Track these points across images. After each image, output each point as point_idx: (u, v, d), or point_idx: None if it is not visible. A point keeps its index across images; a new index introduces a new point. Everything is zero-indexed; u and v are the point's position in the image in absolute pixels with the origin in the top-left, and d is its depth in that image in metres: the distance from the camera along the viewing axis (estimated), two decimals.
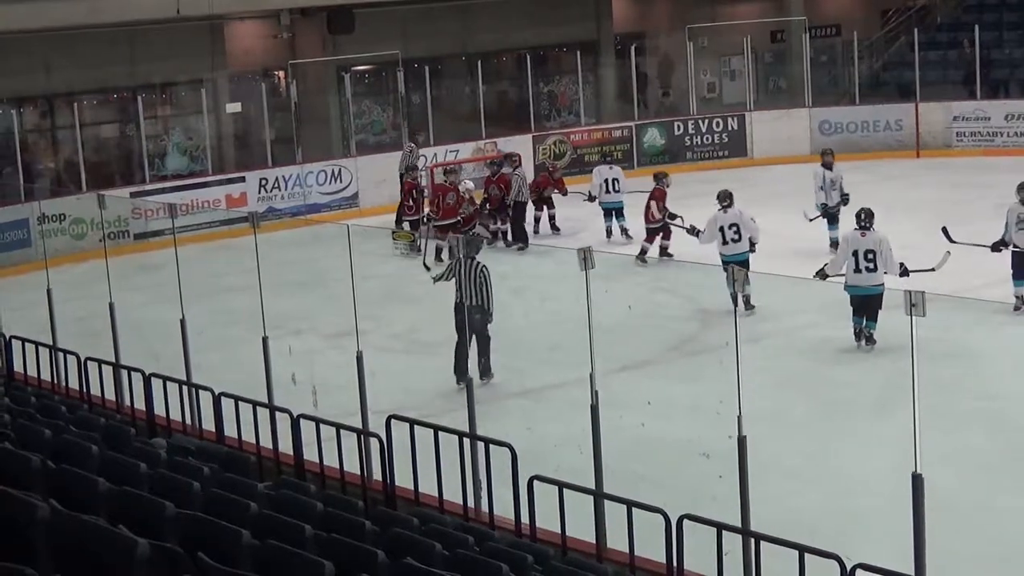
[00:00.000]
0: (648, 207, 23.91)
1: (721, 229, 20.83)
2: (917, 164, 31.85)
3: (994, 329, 18.57)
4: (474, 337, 17.47)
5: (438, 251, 24.55)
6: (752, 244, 20.85)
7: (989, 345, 18.06)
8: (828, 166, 23.82)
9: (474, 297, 17.49)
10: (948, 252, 18.95)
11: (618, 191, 26.72)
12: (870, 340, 18.00)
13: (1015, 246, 19.04)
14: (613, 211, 26.72)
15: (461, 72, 36.29)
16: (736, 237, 20.74)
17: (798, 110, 34.95)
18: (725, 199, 21.23)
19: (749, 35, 36.07)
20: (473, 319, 17.45)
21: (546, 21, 37.01)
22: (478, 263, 17.74)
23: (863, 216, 18.56)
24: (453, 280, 17.43)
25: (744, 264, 20.20)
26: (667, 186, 24.09)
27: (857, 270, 18.21)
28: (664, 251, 23.87)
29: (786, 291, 19.37)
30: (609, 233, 26.60)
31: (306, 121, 32.81)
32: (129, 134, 31.75)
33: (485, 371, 17.66)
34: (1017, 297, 18.88)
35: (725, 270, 19.78)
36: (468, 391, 12.17)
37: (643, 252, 23.64)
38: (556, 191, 27.64)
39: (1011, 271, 19.11)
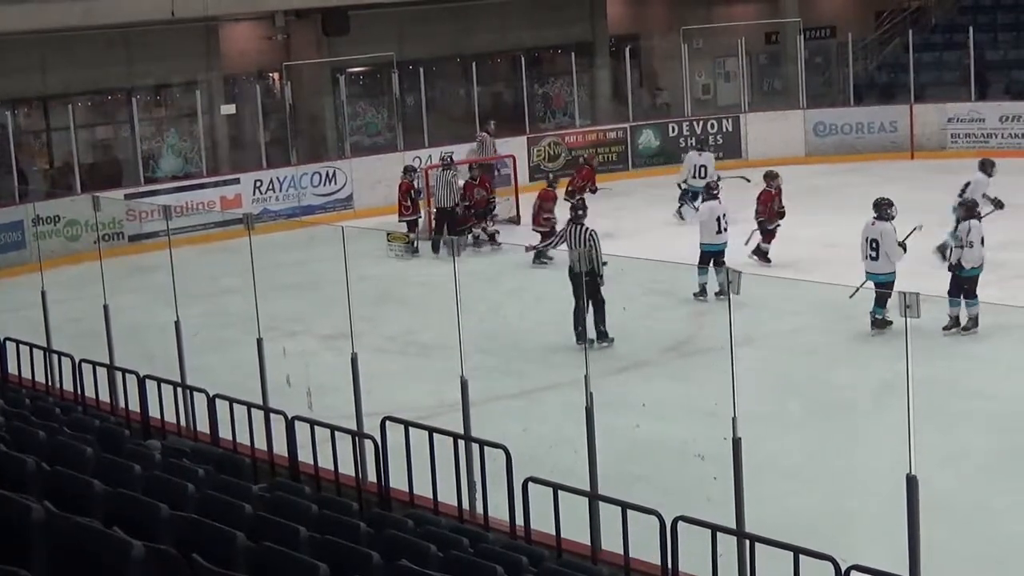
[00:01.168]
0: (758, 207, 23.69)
1: (717, 219, 21.13)
2: (912, 166, 31.87)
3: (989, 329, 18.54)
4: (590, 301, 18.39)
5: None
6: None
7: (984, 345, 18.07)
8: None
9: (584, 262, 18.51)
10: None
11: (704, 177, 26.91)
12: (875, 324, 18.32)
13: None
14: (693, 194, 27.07)
15: (456, 74, 36.30)
16: (726, 226, 21.38)
17: (793, 112, 34.94)
18: (715, 188, 21.84)
19: (743, 37, 36.08)
20: (584, 282, 18.37)
21: (541, 23, 37.03)
22: (587, 228, 18.95)
23: (876, 205, 19.16)
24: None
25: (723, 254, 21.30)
26: (776, 188, 23.68)
27: (865, 257, 18.99)
28: (762, 254, 23.32)
29: (780, 292, 19.37)
30: (682, 216, 27.14)
31: (301, 123, 32.83)
32: (124, 136, 31.74)
33: (602, 335, 18.50)
34: (950, 316, 18.56)
35: (717, 265, 20.04)
36: (463, 392, 12.15)
37: (764, 253, 23.28)
38: (590, 188, 27.18)
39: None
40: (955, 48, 36.25)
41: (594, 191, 27.23)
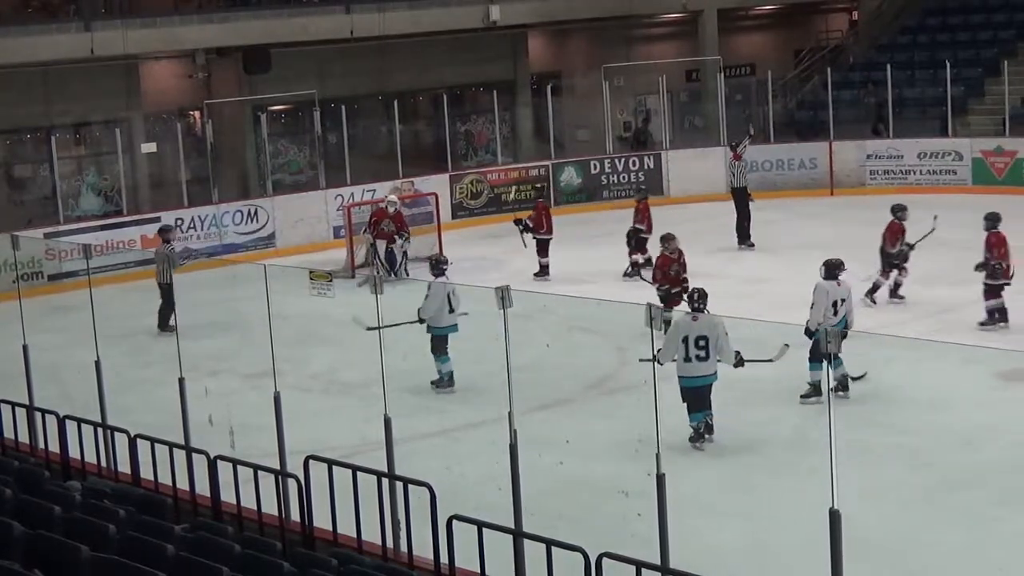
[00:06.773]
0: (883, 240, 22.52)
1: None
2: (831, 202, 32.14)
3: (912, 364, 18.64)
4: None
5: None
6: None
7: (907, 380, 18.15)
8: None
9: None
10: (786, 345, 16.55)
11: None
12: (709, 430, 16.23)
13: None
14: None
15: (378, 111, 36.32)
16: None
17: (713, 148, 35.17)
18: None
19: (664, 75, 36.28)
20: None
21: (463, 61, 37.13)
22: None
23: (696, 297, 16.37)
24: None
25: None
26: (903, 220, 22.44)
27: (687, 359, 15.88)
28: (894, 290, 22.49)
29: None
30: None
31: (222, 161, 32.70)
32: (43, 174, 31.51)
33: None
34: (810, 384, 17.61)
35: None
36: (387, 430, 12.11)
37: (876, 288, 22.23)
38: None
39: None
40: (868, 86, 36.74)
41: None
